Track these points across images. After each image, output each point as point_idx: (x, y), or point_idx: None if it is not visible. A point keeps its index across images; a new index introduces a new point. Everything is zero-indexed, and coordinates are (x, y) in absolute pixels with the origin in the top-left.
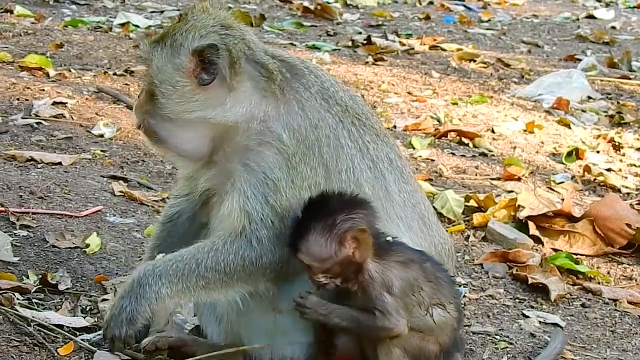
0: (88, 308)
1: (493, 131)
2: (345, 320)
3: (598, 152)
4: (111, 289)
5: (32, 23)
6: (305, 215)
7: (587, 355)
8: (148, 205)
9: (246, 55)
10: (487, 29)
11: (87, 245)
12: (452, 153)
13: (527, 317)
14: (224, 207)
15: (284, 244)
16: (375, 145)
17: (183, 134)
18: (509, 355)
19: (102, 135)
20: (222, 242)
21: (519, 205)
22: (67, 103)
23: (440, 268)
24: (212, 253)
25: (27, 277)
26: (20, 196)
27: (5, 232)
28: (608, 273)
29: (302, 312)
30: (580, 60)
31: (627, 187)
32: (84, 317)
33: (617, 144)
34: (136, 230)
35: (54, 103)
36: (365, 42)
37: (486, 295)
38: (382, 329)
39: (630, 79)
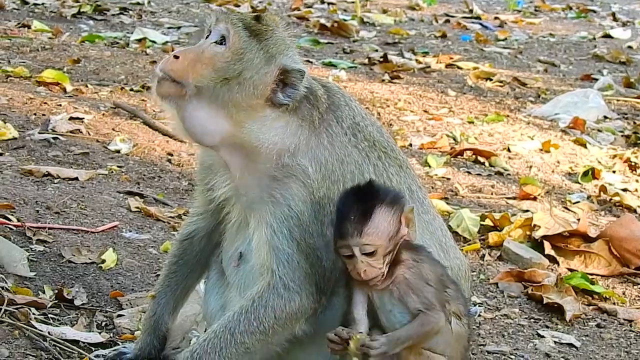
0: (104, 324)
1: (509, 150)
2: (409, 339)
3: (614, 172)
4: (127, 304)
5: (50, 38)
6: (358, 202)
7: None
8: (164, 222)
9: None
10: (504, 48)
11: (103, 261)
12: (467, 172)
13: (542, 337)
14: (253, 240)
15: (330, 254)
16: (398, 177)
17: (212, 121)
18: None
19: (118, 151)
20: (250, 302)
21: (534, 225)
22: (83, 118)
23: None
24: (242, 317)
25: (43, 292)
26: (37, 211)
27: (21, 247)
28: (623, 294)
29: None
30: (596, 79)
31: None
32: (100, 333)
33: (633, 164)
34: (152, 246)
35: (71, 118)
36: (381, 59)
37: (501, 315)
38: (432, 326)
39: None
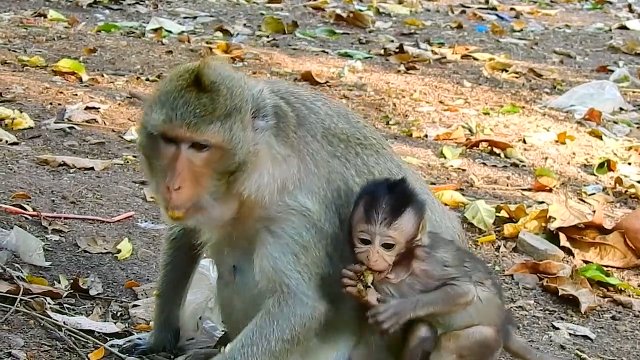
0: (119, 314)
1: (524, 142)
2: (429, 304)
3: (630, 164)
4: (142, 294)
5: (66, 27)
6: (392, 195)
7: None
8: None
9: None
10: (520, 39)
11: (119, 251)
12: (483, 163)
13: (557, 328)
14: (255, 266)
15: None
16: (377, 165)
17: (226, 205)
18: None
19: (134, 141)
20: (279, 309)
21: (550, 217)
22: (99, 108)
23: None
24: (275, 324)
25: (59, 282)
26: (53, 201)
27: (37, 236)
28: (639, 286)
29: (386, 322)
30: (612, 71)
31: None
32: (115, 323)
33: None
34: None
35: (87, 108)
36: (397, 50)
37: (516, 307)
38: (460, 296)
39: None
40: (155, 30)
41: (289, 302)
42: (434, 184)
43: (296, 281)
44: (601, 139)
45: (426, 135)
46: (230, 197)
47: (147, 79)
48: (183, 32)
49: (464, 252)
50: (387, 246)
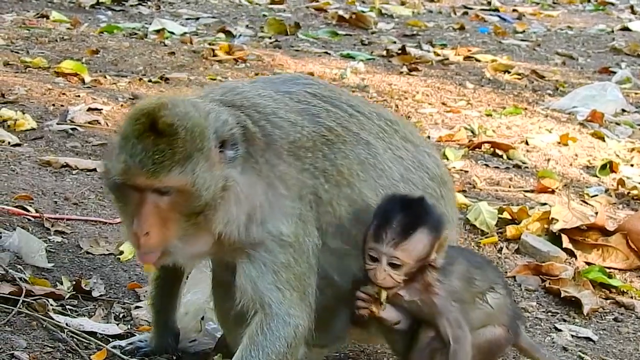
0: (121, 315)
1: (527, 143)
2: None
3: (632, 165)
4: (144, 296)
5: (68, 29)
6: (404, 214)
7: None
8: None
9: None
10: (522, 40)
11: (121, 252)
12: (485, 164)
13: (560, 330)
14: (236, 293)
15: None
16: (345, 159)
17: (199, 241)
18: None
19: None
20: (262, 337)
21: (552, 218)
22: (102, 109)
23: (473, 252)
24: (260, 353)
25: (61, 283)
26: (55, 202)
27: (39, 238)
28: None
29: None
30: (614, 72)
31: None
32: (117, 324)
33: None
34: None
35: (89, 109)
36: (399, 51)
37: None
38: (466, 347)
39: None
40: (157, 31)
41: (272, 325)
42: None
43: (277, 300)
44: (603, 141)
45: (429, 137)
46: (202, 233)
47: (150, 80)
48: (185, 33)
49: (473, 264)
50: (394, 266)
